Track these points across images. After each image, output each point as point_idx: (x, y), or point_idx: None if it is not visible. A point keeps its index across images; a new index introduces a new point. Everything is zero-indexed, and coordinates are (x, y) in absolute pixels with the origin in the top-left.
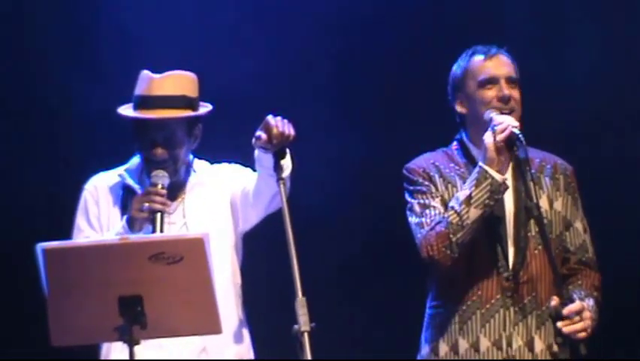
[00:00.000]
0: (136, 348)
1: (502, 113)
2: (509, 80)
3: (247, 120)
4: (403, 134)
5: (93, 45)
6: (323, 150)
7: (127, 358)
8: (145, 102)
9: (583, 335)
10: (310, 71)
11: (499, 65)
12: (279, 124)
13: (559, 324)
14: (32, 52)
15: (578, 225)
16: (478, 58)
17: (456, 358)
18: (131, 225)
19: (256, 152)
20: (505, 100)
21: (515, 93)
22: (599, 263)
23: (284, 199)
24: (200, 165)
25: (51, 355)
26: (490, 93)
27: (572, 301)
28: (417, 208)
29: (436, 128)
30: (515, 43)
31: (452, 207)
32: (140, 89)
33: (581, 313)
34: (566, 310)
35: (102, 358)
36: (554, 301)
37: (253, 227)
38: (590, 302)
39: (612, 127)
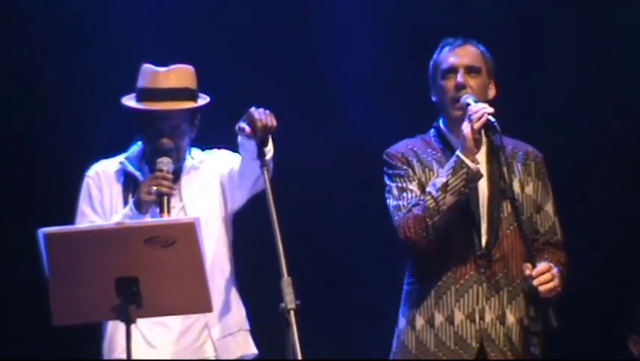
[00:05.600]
0: (142, 326)
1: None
2: (469, 70)
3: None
4: (388, 121)
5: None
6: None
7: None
8: (152, 94)
9: (551, 289)
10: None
11: (461, 55)
12: (263, 116)
13: (534, 282)
14: (29, 45)
15: (549, 208)
16: (445, 50)
17: (432, 330)
18: (139, 207)
19: (239, 137)
20: (458, 87)
21: (474, 82)
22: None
23: (267, 184)
24: (193, 152)
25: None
26: (450, 83)
27: None
28: (395, 191)
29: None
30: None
31: (429, 193)
32: (144, 82)
33: (549, 271)
34: (534, 272)
35: (106, 340)
36: (528, 270)
37: (244, 207)
38: (555, 269)
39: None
